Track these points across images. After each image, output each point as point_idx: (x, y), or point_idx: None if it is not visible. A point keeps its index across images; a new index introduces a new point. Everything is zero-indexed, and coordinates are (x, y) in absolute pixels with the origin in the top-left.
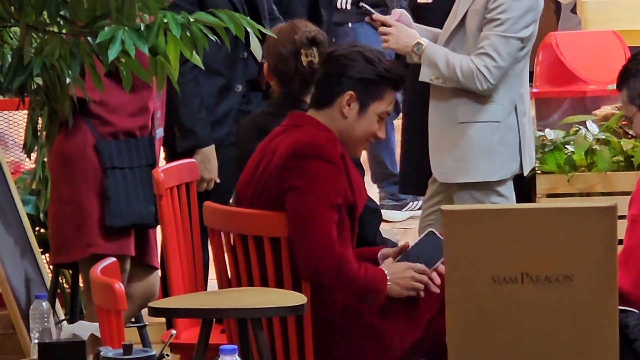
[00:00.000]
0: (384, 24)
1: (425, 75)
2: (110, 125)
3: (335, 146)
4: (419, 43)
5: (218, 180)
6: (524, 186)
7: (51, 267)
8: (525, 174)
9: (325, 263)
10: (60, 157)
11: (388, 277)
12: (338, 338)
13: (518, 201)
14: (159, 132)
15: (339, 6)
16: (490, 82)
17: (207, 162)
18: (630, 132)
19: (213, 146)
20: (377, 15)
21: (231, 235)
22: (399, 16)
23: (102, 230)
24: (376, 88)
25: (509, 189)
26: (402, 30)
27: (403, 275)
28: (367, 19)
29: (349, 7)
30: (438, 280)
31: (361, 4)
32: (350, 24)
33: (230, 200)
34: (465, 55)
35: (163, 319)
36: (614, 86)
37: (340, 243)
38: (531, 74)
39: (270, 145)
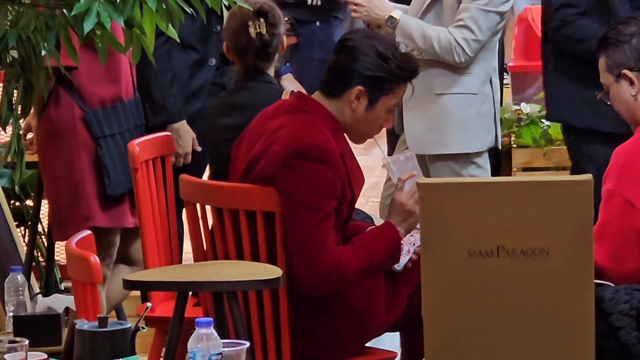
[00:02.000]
0: None
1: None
2: (95, 95)
3: (338, 141)
4: (391, 17)
5: (190, 155)
6: (498, 159)
7: (26, 240)
8: (499, 147)
9: (321, 281)
10: (49, 133)
11: (397, 228)
12: (319, 317)
13: (493, 174)
14: None
15: (309, 2)
16: (468, 54)
17: (179, 138)
18: (607, 102)
19: (184, 121)
20: None
21: (207, 208)
22: None
23: (99, 203)
24: (387, 85)
25: (485, 160)
26: (373, 1)
27: (403, 217)
28: None
29: (319, 2)
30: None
31: None
32: (318, 23)
33: (206, 175)
34: (442, 27)
35: (138, 292)
36: None
37: (336, 239)
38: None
39: (271, 124)
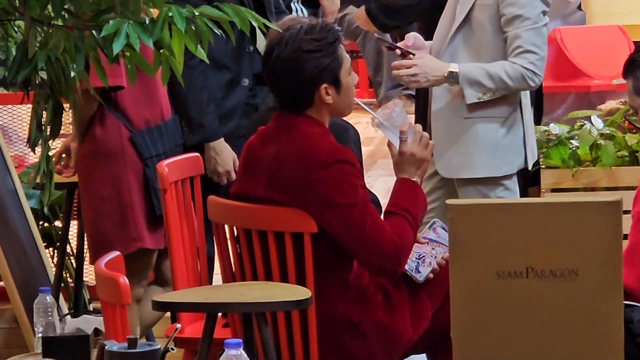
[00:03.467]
0: (404, 56)
1: (472, 97)
2: (139, 115)
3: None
4: (451, 72)
5: (233, 173)
6: (528, 178)
7: (55, 261)
8: (530, 167)
9: (393, 264)
10: (94, 154)
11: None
12: (350, 335)
13: (522, 194)
14: None
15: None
16: (539, 75)
17: (217, 156)
18: (636, 125)
19: (222, 139)
20: (398, 50)
21: (235, 229)
22: (413, 40)
23: (147, 225)
24: (336, 62)
25: (514, 182)
26: (426, 65)
27: (417, 166)
28: (384, 48)
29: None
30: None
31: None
32: None
33: None
34: (502, 62)
35: (167, 313)
36: (618, 81)
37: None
38: None
39: (264, 155)
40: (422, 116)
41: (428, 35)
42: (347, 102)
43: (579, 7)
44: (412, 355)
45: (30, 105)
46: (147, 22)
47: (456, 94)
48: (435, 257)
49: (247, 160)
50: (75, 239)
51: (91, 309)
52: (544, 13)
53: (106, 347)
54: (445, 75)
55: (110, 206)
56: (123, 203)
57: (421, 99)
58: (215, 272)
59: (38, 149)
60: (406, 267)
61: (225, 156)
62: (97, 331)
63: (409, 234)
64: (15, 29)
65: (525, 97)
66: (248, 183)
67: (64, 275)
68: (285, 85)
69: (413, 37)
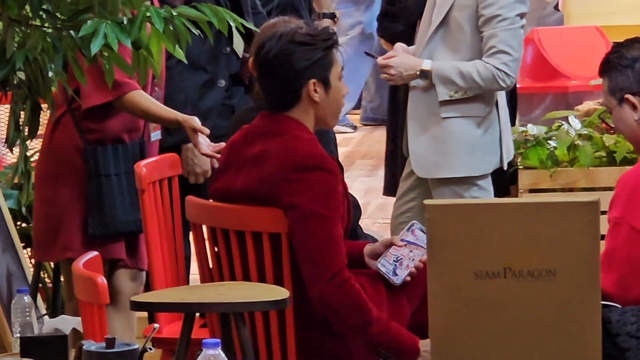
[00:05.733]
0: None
1: (443, 94)
2: (97, 132)
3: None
4: (423, 70)
5: (209, 172)
6: (503, 181)
7: (33, 261)
8: (505, 167)
9: (328, 287)
10: (47, 155)
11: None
12: (324, 333)
13: (496, 196)
14: (155, 135)
15: None
16: (512, 77)
17: (194, 157)
18: (611, 125)
19: None
20: (380, 59)
21: (214, 230)
22: (400, 50)
23: (81, 235)
24: (327, 60)
25: (488, 182)
26: (400, 63)
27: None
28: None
29: None
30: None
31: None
32: None
33: None
34: (476, 61)
35: (145, 313)
36: (596, 81)
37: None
38: None
39: (249, 152)
40: (401, 116)
41: None
42: (333, 109)
43: (556, 8)
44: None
45: (8, 106)
46: (125, 22)
47: (432, 93)
48: (413, 259)
49: (229, 157)
50: None
51: None
52: (522, 16)
53: (84, 347)
54: (418, 72)
55: (50, 209)
56: (61, 209)
57: (400, 99)
58: (192, 272)
59: (16, 149)
60: (383, 269)
61: (201, 157)
62: (75, 331)
63: (359, 293)
64: None
65: (501, 97)
66: (229, 178)
67: (42, 275)
68: (274, 76)
69: (400, 47)
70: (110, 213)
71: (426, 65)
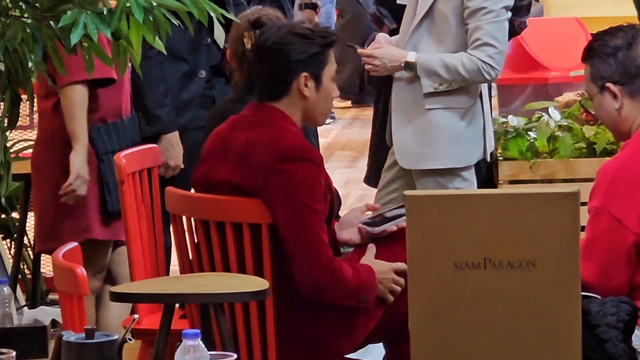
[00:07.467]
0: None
1: (428, 86)
2: (98, 111)
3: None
4: (407, 62)
5: (182, 167)
6: (486, 172)
7: (12, 252)
8: (488, 159)
9: (322, 275)
10: (49, 143)
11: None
12: (304, 321)
13: (480, 187)
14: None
15: None
16: (497, 69)
17: (171, 149)
18: (590, 111)
19: (177, 132)
20: (361, 50)
21: (193, 220)
22: (383, 41)
23: (99, 216)
24: (322, 57)
25: (471, 174)
26: (384, 54)
27: (387, 277)
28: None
29: None
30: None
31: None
32: None
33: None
34: (461, 53)
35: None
36: (576, 73)
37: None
38: None
39: (235, 140)
40: (384, 108)
41: None
42: (322, 108)
43: None
44: (369, 345)
45: None
46: (105, 12)
47: (417, 85)
48: (394, 217)
49: (214, 145)
50: (33, 230)
51: (49, 301)
52: (507, 8)
53: (63, 338)
54: (402, 64)
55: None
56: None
57: (383, 91)
58: (172, 263)
59: None
60: (365, 221)
61: (177, 150)
62: (54, 322)
63: (349, 272)
64: None
65: (485, 88)
66: (213, 167)
67: (21, 266)
68: (268, 64)
69: (382, 38)
70: None
71: (411, 57)
